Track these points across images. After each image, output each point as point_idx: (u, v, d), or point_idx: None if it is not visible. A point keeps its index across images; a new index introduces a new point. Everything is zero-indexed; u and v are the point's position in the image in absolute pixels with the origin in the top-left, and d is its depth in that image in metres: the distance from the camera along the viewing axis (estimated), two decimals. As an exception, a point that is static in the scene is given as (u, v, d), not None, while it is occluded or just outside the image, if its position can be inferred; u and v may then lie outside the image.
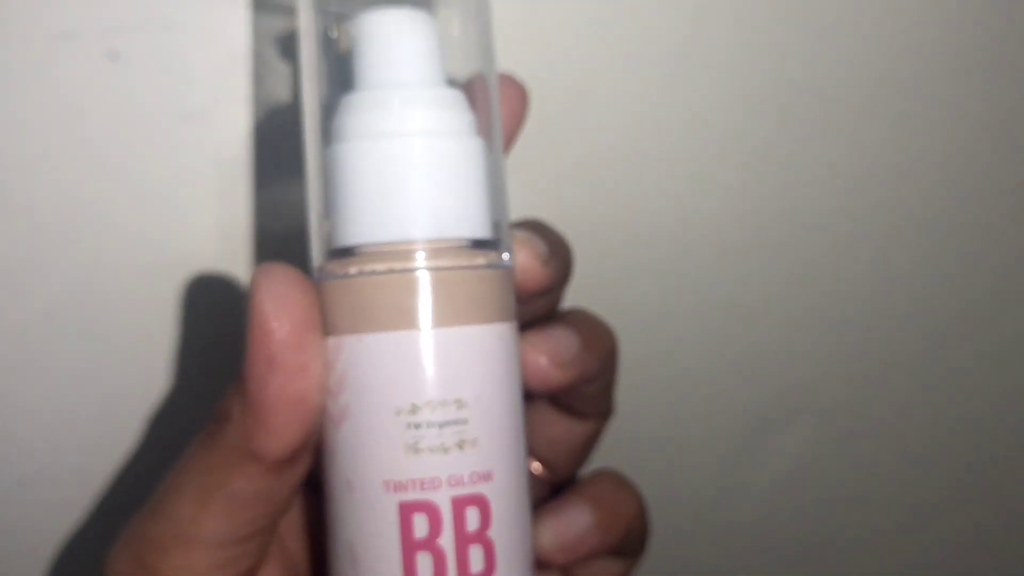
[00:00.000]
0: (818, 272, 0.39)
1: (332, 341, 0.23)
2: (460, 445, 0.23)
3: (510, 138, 0.27)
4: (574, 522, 0.26)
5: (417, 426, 0.22)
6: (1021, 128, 0.40)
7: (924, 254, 0.41)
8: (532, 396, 0.28)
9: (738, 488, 0.42)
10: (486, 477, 0.23)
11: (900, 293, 0.41)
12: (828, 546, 0.45)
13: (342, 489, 0.23)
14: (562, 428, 0.29)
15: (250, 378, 0.22)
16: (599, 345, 0.27)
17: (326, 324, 0.23)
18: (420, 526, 0.22)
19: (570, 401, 0.28)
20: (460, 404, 0.23)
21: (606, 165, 0.34)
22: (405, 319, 0.22)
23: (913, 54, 0.37)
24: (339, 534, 0.23)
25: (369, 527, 0.23)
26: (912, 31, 0.37)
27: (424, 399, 0.22)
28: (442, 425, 0.23)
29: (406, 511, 0.22)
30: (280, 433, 0.23)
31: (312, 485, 0.27)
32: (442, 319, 0.23)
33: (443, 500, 0.22)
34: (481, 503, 0.23)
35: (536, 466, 0.29)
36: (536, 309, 0.27)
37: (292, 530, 0.27)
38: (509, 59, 0.27)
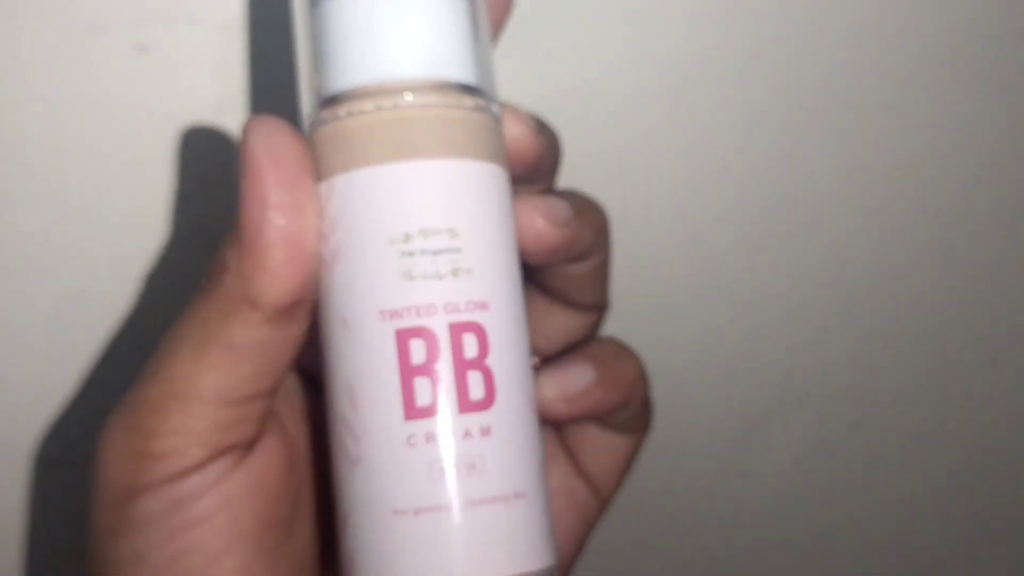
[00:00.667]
0: (823, 260, 0.40)
1: (324, 186, 0.23)
2: (455, 273, 0.23)
3: (494, 33, 0.28)
4: (576, 375, 0.26)
5: (411, 254, 0.22)
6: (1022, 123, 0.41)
7: (930, 244, 0.41)
8: (528, 268, 0.28)
9: (743, 476, 0.42)
10: (482, 306, 0.23)
11: (905, 283, 0.41)
12: (832, 534, 0.44)
13: (339, 330, 0.23)
14: (559, 321, 0.29)
15: (245, 221, 0.23)
16: (593, 216, 0.27)
17: (318, 172, 0.23)
18: (418, 352, 0.22)
19: (565, 287, 0.28)
20: (453, 233, 0.23)
21: (606, 165, 0.35)
22: (394, 152, 0.23)
23: (918, 52, 0.38)
24: (337, 376, 0.23)
25: (367, 359, 0.22)
26: (919, 29, 0.38)
27: (416, 227, 0.23)
28: (436, 253, 0.23)
29: (403, 337, 0.22)
30: (278, 275, 0.22)
31: (311, 379, 0.27)
32: (432, 151, 0.23)
33: (440, 326, 0.22)
34: (478, 331, 0.23)
35: (536, 361, 0.29)
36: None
37: (292, 414, 0.26)
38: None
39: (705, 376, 0.40)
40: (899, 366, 0.43)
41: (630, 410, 0.27)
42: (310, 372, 0.27)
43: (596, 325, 0.29)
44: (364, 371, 0.23)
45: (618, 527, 0.40)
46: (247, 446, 0.24)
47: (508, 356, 0.23)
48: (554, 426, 0.29)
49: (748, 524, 0.43)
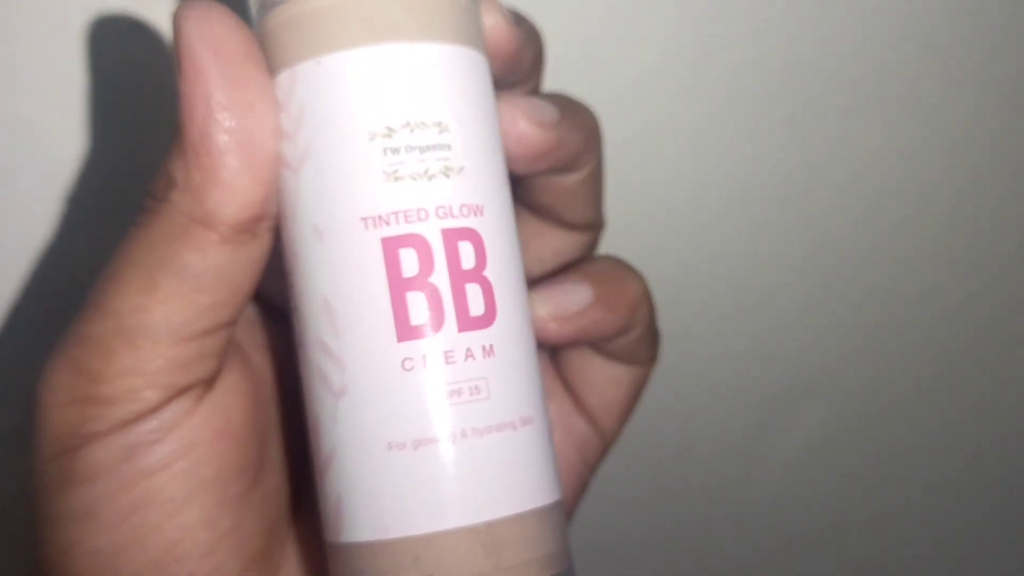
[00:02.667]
0: (835, 253, 0.39)
1: (284, 76, 0.20)
2: (446, 173, 0.20)
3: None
4: (572, 293, 0.23)
5: (395, 151, 0.19)
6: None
7: (941, 238, 0.41)
8: (513, 182, 0.26)
9: (752, 470, 0.41)
10: (477, 211, 0.20)
11: (916, 276, 0.41)
12: (842, 527, 0.44)
13: (311, 241, 0.20)
14: (551, 243, 0.26)
15: (189, 126, 0.19)
16: (581, 119, 0.24)
17: (274, 60, 0.20)
18: (409, 263, 0.19)
19: (554, 202, 0.25)
20: (441, 127, 0.20)
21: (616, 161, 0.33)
22: (373, 32, 0.20)
23: (932, 39, 0.38)
24: (311, 295, 0.20)
25: (348, 273, 0.19)
26: (925, 30, 0.37)
27: (401, 120, 0.20)
28: (423, 149, 0.20)
29: (391, 247, 0.19)
30: (234, 187, 0.19)
31: (271, 307, 0.24)
32: (416, 32, 0.20)
33: (433, 233, 0.19)
34: (474, 238, 0.20)
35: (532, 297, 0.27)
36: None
37: (255, 346, 0.23)
38: None
39: (715, 370, 0.39)
40: (909, 360, 0.42)
41: (633, 336, 0.25)
42: (270, 299, 0.23)
43: (591, 247, 0.27)
44: (346, 288, 0.20)
45: (628, 520, 0.40)
46: (207, 383, 0.21)
47: (506, 267, 0.20)
48: (550, 355, 0.26)
49: (757, 517, 0.42)
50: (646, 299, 0.24)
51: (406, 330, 0.19)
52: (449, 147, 0.20)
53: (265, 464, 0.22)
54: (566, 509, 0.26)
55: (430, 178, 0.20)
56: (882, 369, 0.42)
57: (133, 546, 0.20)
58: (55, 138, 0.25)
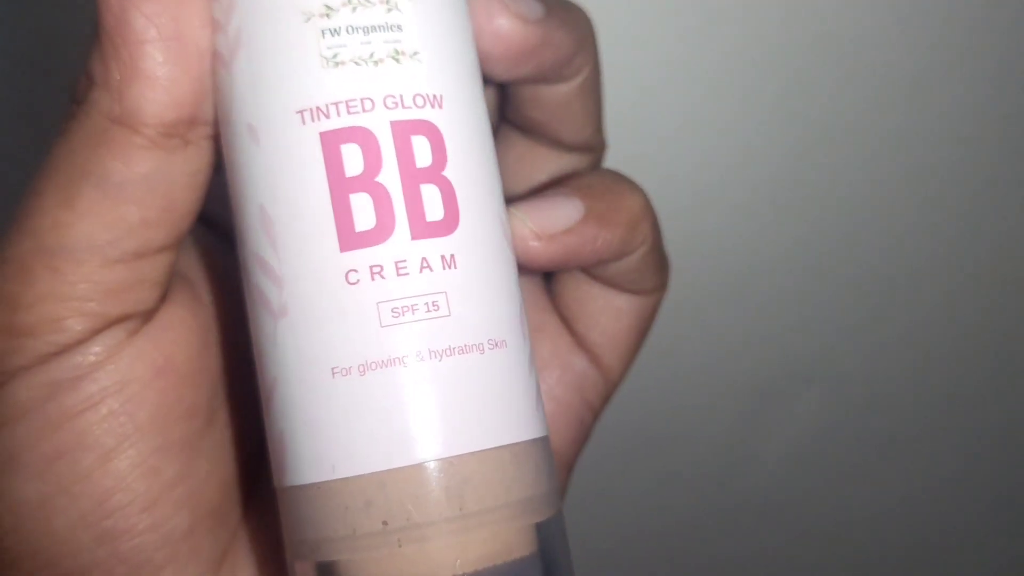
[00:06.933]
0: (829, 241, 0.38)
1: None
2: (396, 57, 0.17)
3: None
4: (558, 207, 0.20)
5: (335, 32, 0.17)
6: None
7: (937, 229, 0.40)
8: (501, 99, 0.23)
9: (747, 458, 0.41)
10: (435, 101, 0.17)
11: (911, 265, 0.40)
12: (836, 516, 0.44)
13: (246, 142, 0.17)
14: (546, 166, 0.23)
15: (106, 12, 0.17)
16: (571, 18, 0.21)
17: None
18: (353, 160, 0.17)
19: (547, 117, 0.22)
20: (390, 5, 0.17)
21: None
22: (306, -101, 0.17)
23: (925, 30, 0.38)
24: (247, 204, 0.17)
25: (284, 175, 0.17)
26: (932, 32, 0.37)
27: (341, -3, 0.17)
28: (368, 30, 0.17)
29: (331, 142, 0.17)
30: (159, 81, 0.17)
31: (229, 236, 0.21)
32: (356, -101, 0.17)
33: (380, 125, 0.17)
34: (431, 132, 0.17)
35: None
36: None
37: (207, 278, 0.21)
38: None
39: (709, 356, 0.39)
40: (903, 349, 0.41)
41: (634, 260, 0.21)
42: (227, 229, 0.21)
43: (594, 165, 0.24)
44: (282, 193, 0.17)
45: (620, 509, 0.40)
46: (144, 316, 0.18)
47: (474, 167, 0.18)
48: (543, 286, 0.23)
49: (752, 505, 0.42)
50: (647, 216, 0.21)
51: (350, 238, 0.17)
52: (400, 27, 0.17)
53: (220, 410, 0.20)
54: (566, 458, 0.23)
55: (376, 63, 0.17)
56: (879, 357, 0.41)
57: (60, 496, 0.18)
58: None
